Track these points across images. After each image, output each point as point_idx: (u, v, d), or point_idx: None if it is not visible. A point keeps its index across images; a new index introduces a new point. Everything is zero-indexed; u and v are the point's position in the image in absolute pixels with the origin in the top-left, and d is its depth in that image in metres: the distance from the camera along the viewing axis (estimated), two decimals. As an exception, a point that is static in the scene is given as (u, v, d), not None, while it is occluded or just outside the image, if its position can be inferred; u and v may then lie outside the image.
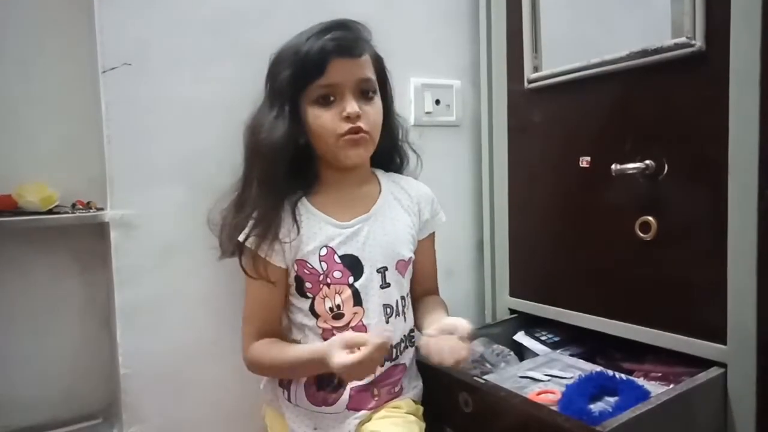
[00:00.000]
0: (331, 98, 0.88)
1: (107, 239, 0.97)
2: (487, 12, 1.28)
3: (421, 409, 0.98)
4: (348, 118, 0.88)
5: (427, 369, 1.02)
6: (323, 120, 0.88)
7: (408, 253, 0.98)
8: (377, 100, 0.93)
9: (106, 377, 1.08)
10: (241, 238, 0.89)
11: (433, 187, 1.29)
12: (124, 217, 0.95)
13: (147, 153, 0.97)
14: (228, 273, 1.00)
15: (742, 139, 0.84)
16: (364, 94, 0.91)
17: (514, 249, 1.27)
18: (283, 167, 0.88)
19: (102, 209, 0.99)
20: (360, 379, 0.88)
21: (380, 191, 0.99)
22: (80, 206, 1.00)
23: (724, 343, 0.88)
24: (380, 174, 1.02)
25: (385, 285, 0.93)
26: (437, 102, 1.29)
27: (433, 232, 1.06)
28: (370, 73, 0.92)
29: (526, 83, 1.18)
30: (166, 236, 0.99)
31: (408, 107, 1.25)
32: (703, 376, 0.88)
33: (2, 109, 1.00)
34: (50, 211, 0.95)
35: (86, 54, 0.98)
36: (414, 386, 0.99)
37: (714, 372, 0.89)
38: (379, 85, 0.95)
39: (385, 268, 0.94)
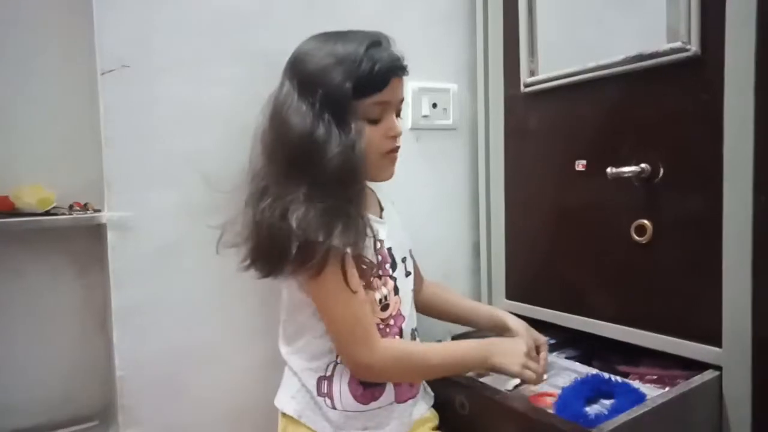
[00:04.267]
0: (378, 115, 0.90)
1: (104, 241, 0.96)
2: (484, 16, 1.28)
3: None
4: (393, 138, 0.91)
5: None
6: (372, 137, 0.89)
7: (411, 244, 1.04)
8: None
9: (103, 380, 1.07)
10: (336, 243, 0.82)
11: (430, 190, 1.30)
12: (121, 218, 0.95)
13: (145, 155, 0.97)
14: (225, 275, 1.00)
15: (737, 144, 0.84)
16: (398, 112, 0.94)
17: (510, 252, 1.28)
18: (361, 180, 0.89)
19: (99, 211, 0.98)
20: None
21: (375, 194, 1.03)
22: (77, 208, 0.99)
23: (720, 345, 0.89)
24: None
25: (408, 273, 0.99)
26: (434, 105, 1.29)
27: None
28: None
29: (522, 87, 1.19)
30: (163, 238, 0.98)
31: (405, 111, 1.25)
32: (698, 379, 0.88)
33: (0, 111, 0.99)
34: (47, 213, 0.95)
35: (85, 56, 0.98)
36: (425, 388, 1.01)
37: (709, 375, 0.89)
38: None
39: (405, 258, 0.99)
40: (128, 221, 0.95)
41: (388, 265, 0.94)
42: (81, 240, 1.04)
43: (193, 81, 1.00)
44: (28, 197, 0.94)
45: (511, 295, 1.27)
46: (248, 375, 1.05)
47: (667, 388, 0.91)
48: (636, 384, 0.95)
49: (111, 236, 0.95)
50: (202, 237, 0.97)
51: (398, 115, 0.94)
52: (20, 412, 1.02)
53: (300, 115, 0.85)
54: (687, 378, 0.90)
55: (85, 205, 1.00)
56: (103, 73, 0.93)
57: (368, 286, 0.90)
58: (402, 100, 0.94)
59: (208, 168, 1.01)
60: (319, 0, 1.12)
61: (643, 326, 0.99)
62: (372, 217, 0.93)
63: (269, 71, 0.95)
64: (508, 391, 0.98)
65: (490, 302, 1.32)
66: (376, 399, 0.91)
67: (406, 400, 0.94)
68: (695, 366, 0.92)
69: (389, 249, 0.95)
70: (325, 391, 0.91)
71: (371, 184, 1.03)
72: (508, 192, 1.27)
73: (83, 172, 1.02)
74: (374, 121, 0.89)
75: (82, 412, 1.07)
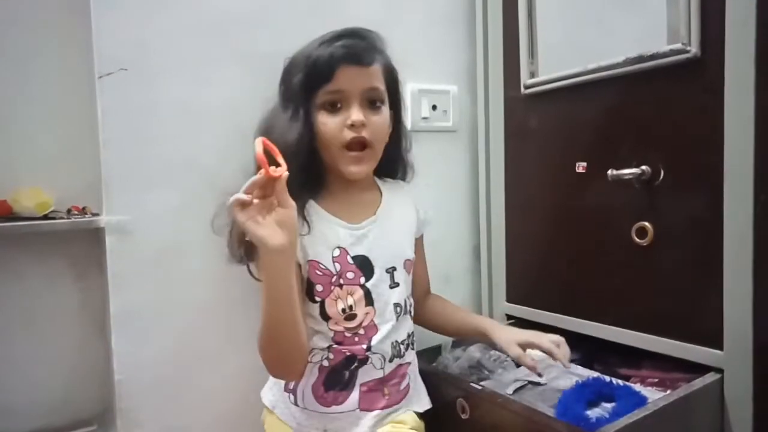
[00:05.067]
0: (338, 105, 0.89)
1: (103, 245, 0.96)
2: (484, 17, 1.28)
3: (423, 425, 0.97)
4: (352, 127, 0.88)
5: (424, 375, 1.02)
6: (328, 127, 0.88)
7: (411, 254, 1.00)
8: (384, 111, 0.93)
9: (101, 383, 1.07)
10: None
11: (430, 192, 1.30)
12: (119, 222, 0.95)
13: (143, 158, 0.96)
14: (224, 278, 1.00)
15: (738, 145, 0.84)
16: (371, 103, 0.91)
17: (510, 254, 1.27)
18: (296, 169, 0.84)
19: (97, 214, 0.98)
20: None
21: (381, 196, 1.00)
22: (76, 211, 0.99)
23: (721, 348, 0.88)
24: (380, 182, 1.02)
25: (394, 285, 0.94)
26: (434, 107, 1.29)
27: (422, 234, 1.08)
28: (379, 83, 0.91)
29: (522, 89, 1.18)
30: (161, 242, 0.98)
31: (404, 112, 1.24)
32: (699, 382, 0.88)
33: (-2, 113, 0.99)
34: (45, 217, 0.95)
35: (83, 58, 0.97)
36: (419, 397, 0.99)
37: (711, 377, 0.89)
38: (391, 95, 0.95)
39: (394, 268, 0.95)
40: (127, 224, 0.95)
41: (351, 274, 0.90)
42: (79, 243, 1.04)
43: (192, 83, 1.00)
44: (26, 201, 0.94)
45: (511, 297, 1.27)
46: (247, 377, 1.04)
47: (668, 391, 0.91)
48: (637, 387, 0.95)
49: (109, 240, 0.94)
50: (201, 240, 0.97)
51: (374, 106, 0.91)
52: (18, 415, 1.01)
53: (269, 113, 0.93)
54: (688, 381, 0.90)
55: (83, 208, 1.00)
56: (100, 77, 0.93)
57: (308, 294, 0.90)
58: (370, 89, 0.90)
59: (207, 170, 1.01)
60: (319, 1, 1.11)
61: (644, 329, 0.99)
62: (339, 222, 0.92)
63: (269, 72, 0.95)
64: (510, 394, 0.98)
65: (490, 305, 1.32)
66: (339, 403, 0.90)
67: (372, 410, 0.91)
68: (696, 369, 0.91)
69: (363, 257, 0.92)
70: (291, 387, 0.93)
71: (384, 187, 1.01)
72: (509, 194, 1.27)
73: (82, 174, 1.01)
74: (335, 112, 0.89)
75: (81, 416, 1.06)
